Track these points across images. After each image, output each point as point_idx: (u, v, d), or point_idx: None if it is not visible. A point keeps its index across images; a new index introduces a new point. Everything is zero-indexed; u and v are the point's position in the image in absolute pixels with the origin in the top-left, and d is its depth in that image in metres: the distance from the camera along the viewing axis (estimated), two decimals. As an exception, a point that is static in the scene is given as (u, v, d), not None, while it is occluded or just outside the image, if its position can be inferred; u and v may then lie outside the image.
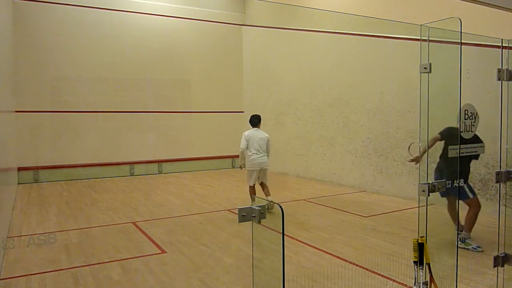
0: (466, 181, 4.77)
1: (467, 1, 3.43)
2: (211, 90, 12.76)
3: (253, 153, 6.80)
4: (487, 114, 4.67)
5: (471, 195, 4.76)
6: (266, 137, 6.93)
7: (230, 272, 4.27)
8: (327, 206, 7.40)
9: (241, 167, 7.09)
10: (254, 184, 6.88)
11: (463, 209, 4.78)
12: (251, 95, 13.08)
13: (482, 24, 5.95)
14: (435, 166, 4.50)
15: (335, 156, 9.80)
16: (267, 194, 6.88)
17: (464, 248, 4.71)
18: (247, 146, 6.83)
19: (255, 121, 6.99)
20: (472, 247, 4.72)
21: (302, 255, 4.74)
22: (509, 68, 3.35)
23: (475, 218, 4.80)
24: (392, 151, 8.24)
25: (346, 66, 9.45)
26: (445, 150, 4.55)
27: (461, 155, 4.86)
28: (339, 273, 4.13)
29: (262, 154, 6.83)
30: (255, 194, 6.83)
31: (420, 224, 2.90)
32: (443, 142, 4.12)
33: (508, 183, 3.39)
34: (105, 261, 4.57)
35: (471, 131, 3.66)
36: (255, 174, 6.82)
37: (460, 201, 4.68)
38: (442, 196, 4.42)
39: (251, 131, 6.93)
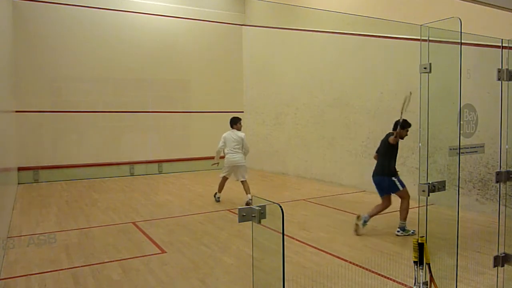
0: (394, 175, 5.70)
1: (467, 1, 3.43)
2: (211, 90, 12.76)
3: (228, 152, 7.49)
4: (487, 114, 4.67)
5: (400, 187, 5.58)
6: (240, 136, 7.52)
7: (230, 272, 4.27)
8: (327, 206, 7.40)
9: (216, 164, 7.71)
10: (224, 176, 7.67)
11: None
12: (251, 95, 13.07)
13: (482, 24, 5.95)
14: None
15: (335, 156, 9.80)
16: (246, 191, 7.45)
17: (405, 235, 5.44)
18: (224, 145, 7.55)
19: (231, 123, 7.68)
20: (412, 232, 5.46)
21: (302, 255, 4.74)
22: (509, 68, 3.35)
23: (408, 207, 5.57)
24: (392, 151, 8.23)
25: (346, 66, 9.45)
26: None
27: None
28: (339, 273, 4.13)
29: (235, 152, 7.46)
30: (222, 186, 7.75)
31: (420, 224, 2.90)
32: None
33: (508, 183, 3.39)
34: (105, 261, 4.57)
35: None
36: (227, 169, 7.57)
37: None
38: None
39: (228, 132, 7.61)
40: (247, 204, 7.18)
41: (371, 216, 5.62)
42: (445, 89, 3.12)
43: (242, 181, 7.50)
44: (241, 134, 7.56)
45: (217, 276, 4.15)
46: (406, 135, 5.87)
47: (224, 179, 7.69)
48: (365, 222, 5.57)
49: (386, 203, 5.69)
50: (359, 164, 9.07)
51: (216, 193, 7.82)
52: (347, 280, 3.95)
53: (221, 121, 13.01)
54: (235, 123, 7.61)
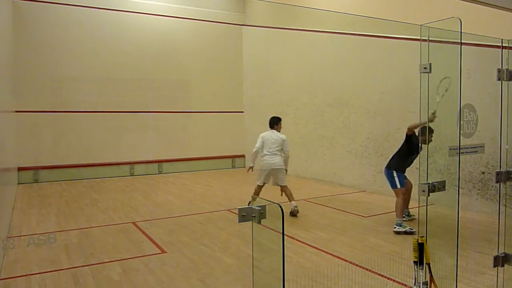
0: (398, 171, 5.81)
1: (467, 1, 3.43)
2: (211, 90, 12.77)
3: (265, 154, 6.67)
4: (487, 114, 4.68)
5: (398, 185, 5.73)
6: (281, 138, 6.72)
7: (230, 272, 4.27)
8: (327, 206, 7.41)
9: (251, 169, 6.86)
10: (261, 184, 6.76)
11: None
12: (251, 95, 13.08)
13: (482, 24, 5.95)
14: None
15: (335, 156, 9.80)
16: (289, 198, 6.67)
17: (403, 230, 5.45)
18: (261, 147, 6.73)
19: (270, 123, 6.93)
20: (409, 229, 5.45)
21: (302, 255, 4.74)
22: (509, 68, 3.35)
23: (403, 204, 5.76)
24: (392, 151, 8.22)
25: (346, 66, 9.45)
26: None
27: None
28: (339, 273, 4.13)
29: (274, 155, 6.64)
30: (258, 195, 6.74)
31: (420, 224, 2.90)
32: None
33: (508, 183, 3.39)
34: (105, 261, 4.57)
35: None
36: (264, 173, 6.70)
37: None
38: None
39: (267, 133, 6.83)
40: (292, 213, 6.47)
41: (400, 216, 5.65)
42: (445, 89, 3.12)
43: (282, 187, 6.70)
44: (282, 135, 6.76)
45: (217, 276, 4.15)
46: (431, 140, 5.69)
47: (260, 187, 6.78)
48: (400, 225, 5.55)
49: (401, 194, 5.75)
50: (359, 164, 9.07)
51: (249, 202, 6.78)
52: (347, 280, 3.95)
53: (221, 121, 13.09)
54: (275, 123, 6.86)
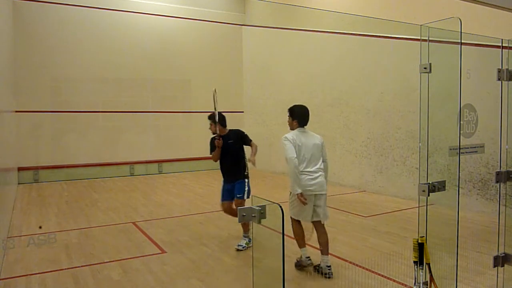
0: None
1: (467, 1, 3.43)
2: (211, 90, 12.71)
3: (301, 171, 4.06)
4: (487, 114, 4.68)
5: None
6: (320, 141, 4.34)
7: (230, 272, 4.27)
8: (327, 206, 7.39)
9: (302, 196, 4.02)
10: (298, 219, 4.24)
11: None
12: (251, 95, 13.07)
13: (482, 24, 5.95)
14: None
15: (335, 156, 9.79)
16: (323, 250, 4.16)
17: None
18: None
19: (302, 115, 4.39)
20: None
21: (302, 255, 4.73)
22: (509, 68, 3.35)
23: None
24: (392, 151, 8.24)
25: (346, 66, 9.45)
26: None
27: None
28: (339, 273, 4.13)
29: (314, 172, 4.13)
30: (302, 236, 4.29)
31: (420, 224, 2.90)
32: None
33: (508, 183, 3.39)
34: (105, 261, 4.57)
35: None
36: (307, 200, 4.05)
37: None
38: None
39: (296, 133, 4.22)
40: (320, 270, 4.10)
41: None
42: (445, 89, 3.12)
43: (320, 226, 4.31)
44: (318, 136, 4.43)
45: (217, 276, 4.15)
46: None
47: (299, 225, 4.35)
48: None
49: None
50: (359, 164, 9.07)
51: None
52: (347, 280, 3.95)
53: (221, 121, 13.06)
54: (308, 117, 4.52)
